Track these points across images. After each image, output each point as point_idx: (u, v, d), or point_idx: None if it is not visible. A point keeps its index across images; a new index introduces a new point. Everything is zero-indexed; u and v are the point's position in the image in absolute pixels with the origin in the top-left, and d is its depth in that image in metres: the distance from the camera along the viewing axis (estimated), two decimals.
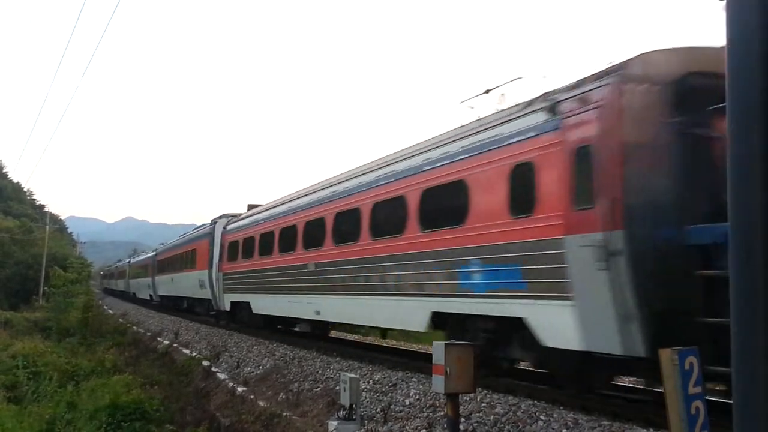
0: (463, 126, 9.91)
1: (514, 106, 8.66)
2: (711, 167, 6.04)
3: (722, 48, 1.71)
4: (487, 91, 10.04)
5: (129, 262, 59.19)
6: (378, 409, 9.06)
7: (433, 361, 7.12)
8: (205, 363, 16.83)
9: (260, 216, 19.30)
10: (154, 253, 42.87)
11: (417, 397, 9.13)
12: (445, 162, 9.70)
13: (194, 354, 18.61)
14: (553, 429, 7.00)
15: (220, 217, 23.99)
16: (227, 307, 21.67)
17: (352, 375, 8.87)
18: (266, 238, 17.83)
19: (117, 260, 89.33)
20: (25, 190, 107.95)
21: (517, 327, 7.98)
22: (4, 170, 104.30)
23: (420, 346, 16.14)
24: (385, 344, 16.87)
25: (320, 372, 12.33)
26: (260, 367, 14.69)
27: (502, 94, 9.94)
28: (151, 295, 42.32)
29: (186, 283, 28.98)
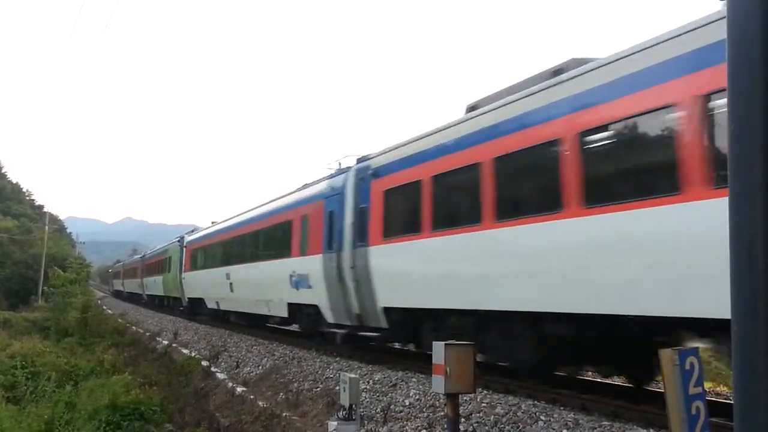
0: None
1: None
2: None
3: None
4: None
5: (182, 238, 31.44)
6: (378, 410, 9.06)
7: (433, 361, 7.12)
8: (205, 363, 16.84)
9: None
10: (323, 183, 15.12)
11: (417, 397, 9.13)
12: None
13: (193, 354, 18.62)
14: (553, 429, 7.00)
15: None
16: None
17: (352, 375, 8.87)
18: None
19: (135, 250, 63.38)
20: (24, 190, 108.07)
21: None
22: (3, 170, 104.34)
23: None
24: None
25: (320, 372, 12.33)
26: (260, 367, 14.69)
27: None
28: (305, 313, 15.57)
29: None
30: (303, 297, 15.00)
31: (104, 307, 45.67)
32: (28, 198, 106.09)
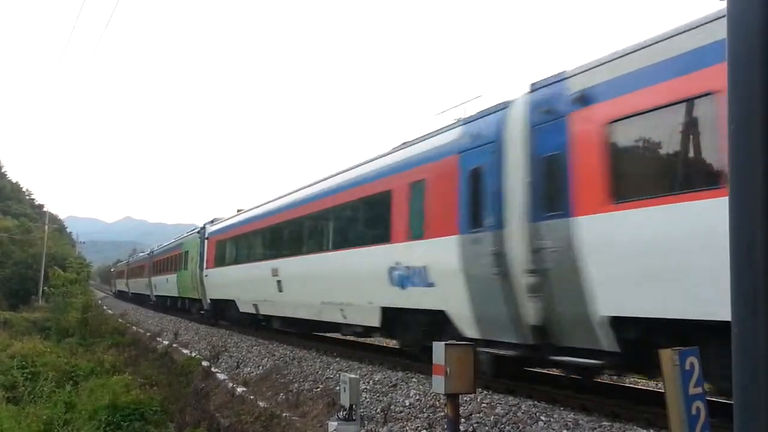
0: None
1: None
2: None
3: None
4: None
5: (203, 229, 26.19)
6: (378, 410, 9.06)
7: (433, 362, 7.12)
8: (205, 363, 16.84)
9: None
10: None
11: (417, 397, 9.13)
12: None
13: (194, 354, 18.63)
14: (553, 429, 7.00)
15: None
16: None
17: (352, 375, 8.87)
18: None
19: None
20: (24, 189, 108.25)
21: None
22: (3, 170, 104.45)
23: None
24: (384, 344, 16.85)
25: (320, 372, 12.33)
26: (260, 368, 14.69)
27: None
28: None
29: None
30: (415, 299, 10.42)
31: (104, 307, 45.68)
32: (27, 197, 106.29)
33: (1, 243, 58.21)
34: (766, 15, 1.61)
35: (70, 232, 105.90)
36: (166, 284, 33.90)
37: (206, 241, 24.69)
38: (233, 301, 21.07)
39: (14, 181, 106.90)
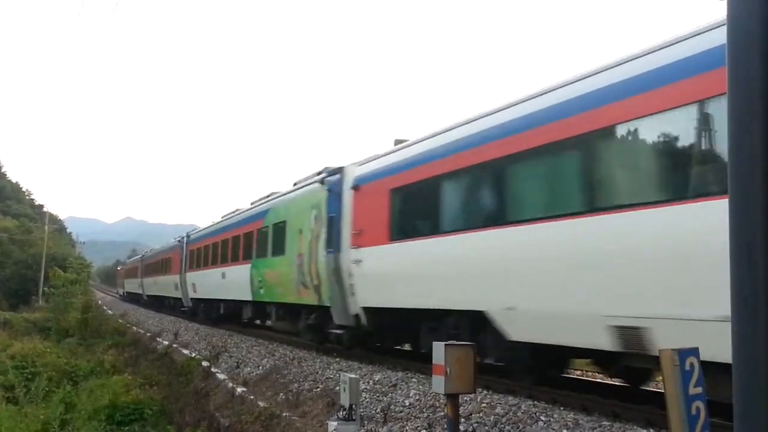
0: None
1: None
2: None
3: None
4: None
5: (340, 173, 13.01)
6: (378, 410, 9.06)
7: (433, 362, 7.11)
8: (205, 363, 16.85)
9: None
10: None
11: (417, 397, 9.13)
12: None
13: (194, 354, 18.62)
14: (553, 429, 7.00)
15: None
16: None
17: (352, 375, 8.87)
18: None
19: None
20: (23, 189, 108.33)
21: None
22: (2, 170, 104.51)
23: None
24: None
25: (320, 372, 12.32)
26: (260, 368, 14.69)
27: None
28: None
29: None
30: None
31: (104, 308, 45.67)
32: (27, 197, 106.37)
33: (1, 243, 58.24)
34: (766, 15, 1.61)
35: (70, 233, 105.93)
36: (223, 282, 21.76)
37: (348, 194, 12.71)
38: (474, 314, 9.04)
39: (14, 181, 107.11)
